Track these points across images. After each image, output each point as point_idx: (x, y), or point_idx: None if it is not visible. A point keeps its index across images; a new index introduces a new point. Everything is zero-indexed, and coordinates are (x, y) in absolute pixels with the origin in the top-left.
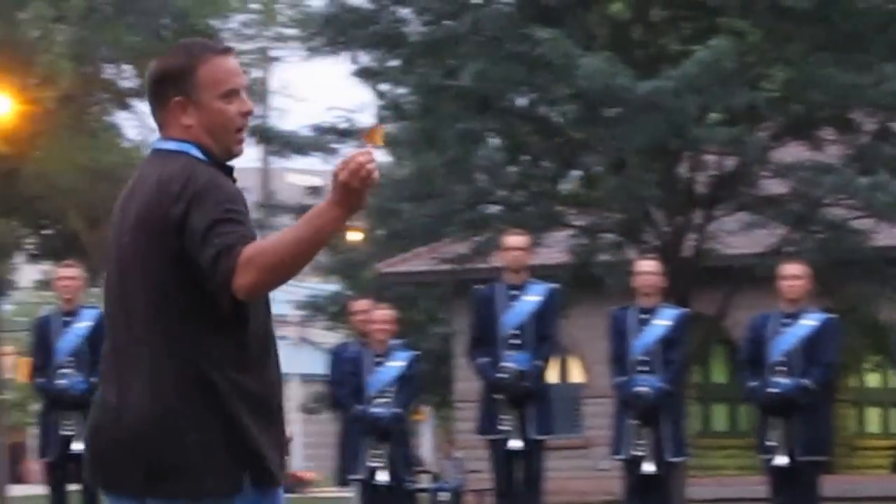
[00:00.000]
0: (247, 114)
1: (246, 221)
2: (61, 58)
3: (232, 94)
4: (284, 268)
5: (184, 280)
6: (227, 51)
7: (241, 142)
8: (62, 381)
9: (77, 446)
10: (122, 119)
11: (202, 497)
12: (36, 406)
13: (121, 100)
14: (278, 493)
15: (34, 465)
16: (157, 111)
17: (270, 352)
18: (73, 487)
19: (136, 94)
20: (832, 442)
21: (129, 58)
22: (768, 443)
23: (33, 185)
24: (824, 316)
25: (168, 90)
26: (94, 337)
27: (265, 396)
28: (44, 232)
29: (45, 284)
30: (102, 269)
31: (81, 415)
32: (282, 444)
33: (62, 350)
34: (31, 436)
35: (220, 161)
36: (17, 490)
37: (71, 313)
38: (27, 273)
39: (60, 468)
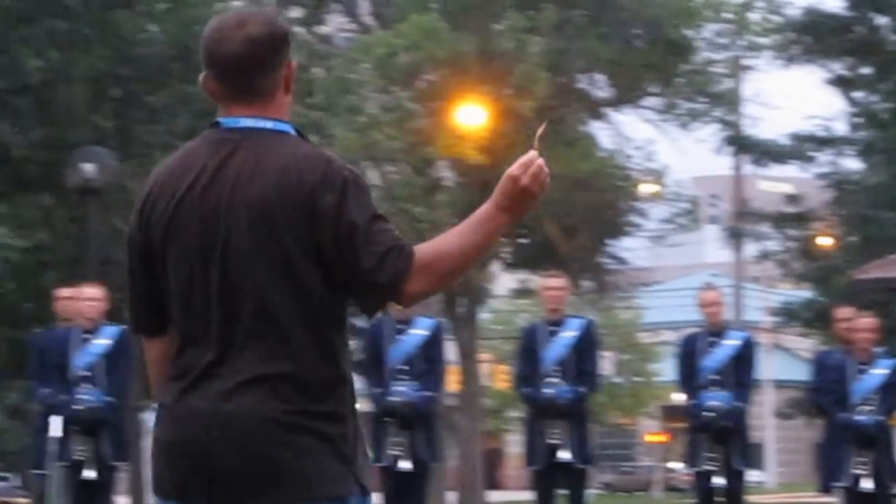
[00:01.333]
0: None
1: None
2: (536, 68)
3: None
4: (455, 275)
5: (314, 271)
6: None
7: None
8: (549, 391)
9: (564, 455)
10: (596, 129)
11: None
12: (515, 413)
13: (594, 109)
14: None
15: (511, 471)
16: (265, 76)
17: None
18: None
19: (610, 103)
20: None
21: (602, 68)
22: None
23: None
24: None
25: (284, 54)
26: (579, 346)
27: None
28: (520, 241)
29: (521, 293)
30: (185, 262)
31: (567, 423)
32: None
33: (549, 359)
34: (508, 442)
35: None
36: (494, 496)
37: (555, 323)
38: (504, 281)
39: (547, 476)
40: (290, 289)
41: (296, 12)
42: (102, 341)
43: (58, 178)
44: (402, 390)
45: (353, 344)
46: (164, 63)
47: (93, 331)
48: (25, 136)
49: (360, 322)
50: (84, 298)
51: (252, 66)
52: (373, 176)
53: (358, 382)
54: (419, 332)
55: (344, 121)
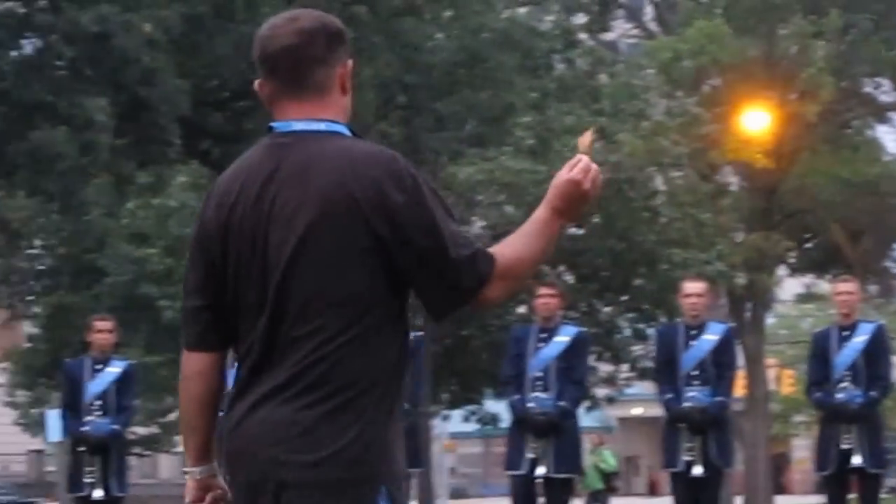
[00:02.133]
0: None
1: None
2: (821, 73)
3: None
4: (524, 281)
5: (372, 272)
6: None
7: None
8: (841, 395)
9: (856, 460)
10: (883, 133)
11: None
12: (801, 418)
13: (879, 113)
14: None
15: (798, 476)
16: (321, 71)
17: None
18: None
19: (895, 107)
20: None
21: (886, 72)
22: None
23: (795, 199)
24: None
25: (343, 51)
26: (870, 350)
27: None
28: (806, 245)
29: (806, 297)
30: (238, 262)
31: (859, 428)
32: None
33: (840, 364)
34: (795, 447)
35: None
36: (781, 501)
37: (847, 328)
38: (789, 286)
39: (838, 481)
40: (341, 291)
41: (580, 19)
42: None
43: None
44: (695, 395)
45: (642, 350)
46: (450, 70)
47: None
48: None
49: (650, 328)
50: None
51: (303, 58)
52: (658, 182)
53: (648, 388)
54: (711, 337)
55: (630, 127)
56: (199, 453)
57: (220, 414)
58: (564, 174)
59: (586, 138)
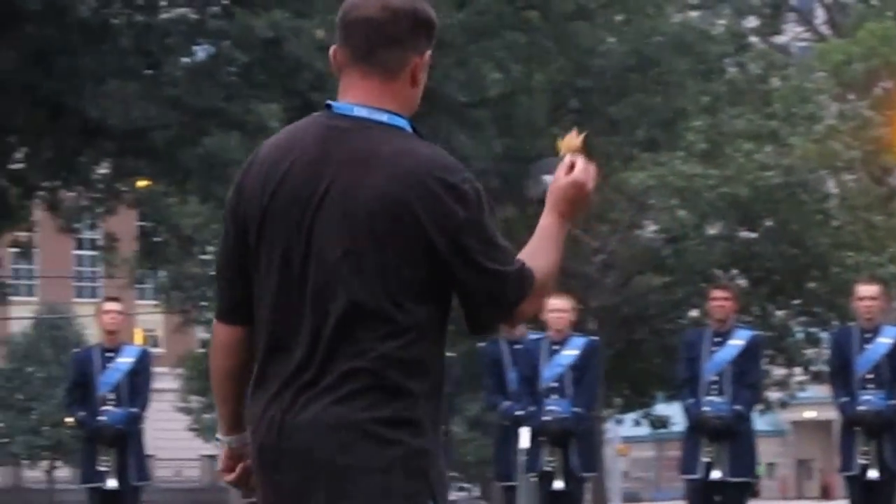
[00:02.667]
0: None
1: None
2: None
3: None
4: (550, 294)
5: (418, 277)
6: None
7: None
8: None
9: None
10: None
11: None
12: None
13: None
14: None
15: None
16: (396, 52)
17: None
18: None
19: None
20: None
21: None
22: None
23: None
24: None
25: (425, 39)
26: None
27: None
28: None
29: None
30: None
31: None
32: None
33: None
34: None
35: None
36: None
37: None
38: None
39: None
40: (387, 294)
41: (752, 22)
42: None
43: (518, 189)
44: (870, 399)
45: (815, 353)
46: (622, 74)
47: None
48: (486, 149)
49: (822, 332)
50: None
51: (382, 33)
52: (830, 185)
53: (820, 391)
54: (886, 340)
55: (802, 130)
56: (231, 423)
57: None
58: (563, 177)
59: (573, 139)
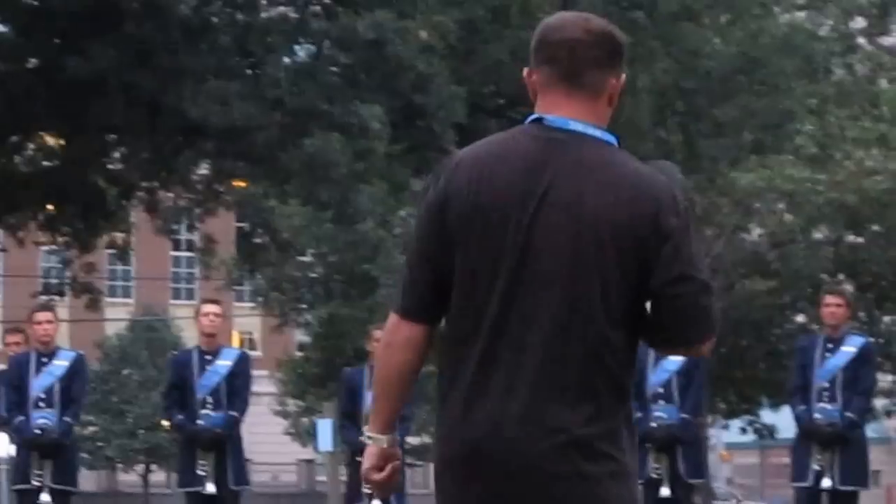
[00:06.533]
0: None
1: None
2: None
3: None
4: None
5: (627, 299)
6: None
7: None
8: None
9: None
10: None
11: None
12: None
13: None
14: None
15: None
16: (601, 75)
17: None
18: None
19: None
20: None
21: None
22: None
23: None
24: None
25: (620, 63)
26: None
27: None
28: None
29: None
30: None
31: None
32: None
33: None
34: None
35: None
36: None
37: None
38: None
39: None
40: (594, 311)
41: (859, 23)
42: None
43: None
44: None
45: None
46: (728, 75)
47: None
48: None
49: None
50: None
51: (586, 54)
52: None
53: None
54: None
55: None
56: (389, 421)
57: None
58: None
59: None
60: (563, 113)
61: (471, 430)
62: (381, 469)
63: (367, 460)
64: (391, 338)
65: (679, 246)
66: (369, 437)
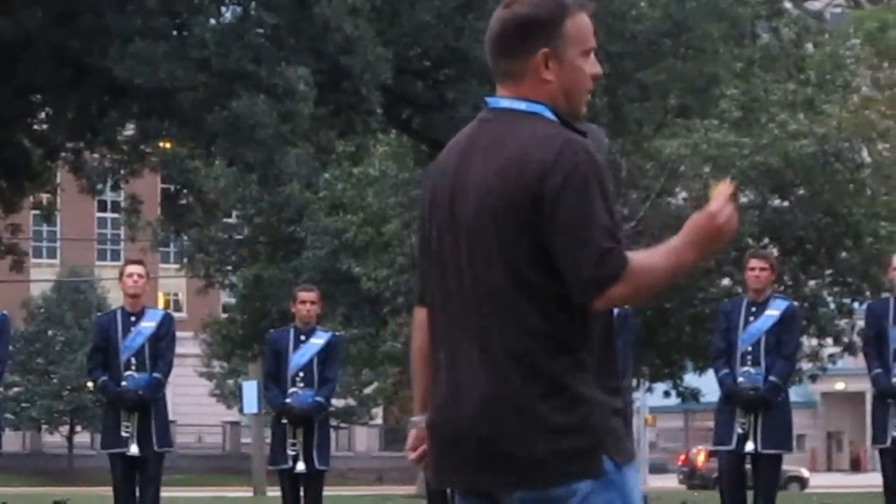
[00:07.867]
0: (596, 77)
1: (615, 214)
2: None
3: (589, 54)
4: (650, 293)
5: (535, 254)
6: (588, 7)
7: (586, 104)
8: None
9: None
10: None
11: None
12: None
13: None
14: (631, 471)
15: None
16: (513, 60)
17: (611, 332)
18: None
19: None
20: None
21: None
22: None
23: None
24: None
25: (535, 39)
26: None
27: (610, 374)
28: None
29: None
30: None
31: None
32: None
33: None
34: None
35: (568, 123)
36: None
37: None
38: None
39: None
40: (508, 268)
41: None
42: None
43: None
44: None
45: (847, 324)
46: (654, 39)
47: None
48: None
49: (854, 303)
50: None
51: (497, 46)
52: (864, 154)
53: (850, 363)
54: None
55: (837, 98)
56: (422, 402)
57: None
58: (704, 211)
59: (726, 188)
60: (499, 94)
61: (434, 398)
62: (415, 449)
63: (409, 441)
64: (413, 323)
65: (558, 204)
66: (410, 422)
